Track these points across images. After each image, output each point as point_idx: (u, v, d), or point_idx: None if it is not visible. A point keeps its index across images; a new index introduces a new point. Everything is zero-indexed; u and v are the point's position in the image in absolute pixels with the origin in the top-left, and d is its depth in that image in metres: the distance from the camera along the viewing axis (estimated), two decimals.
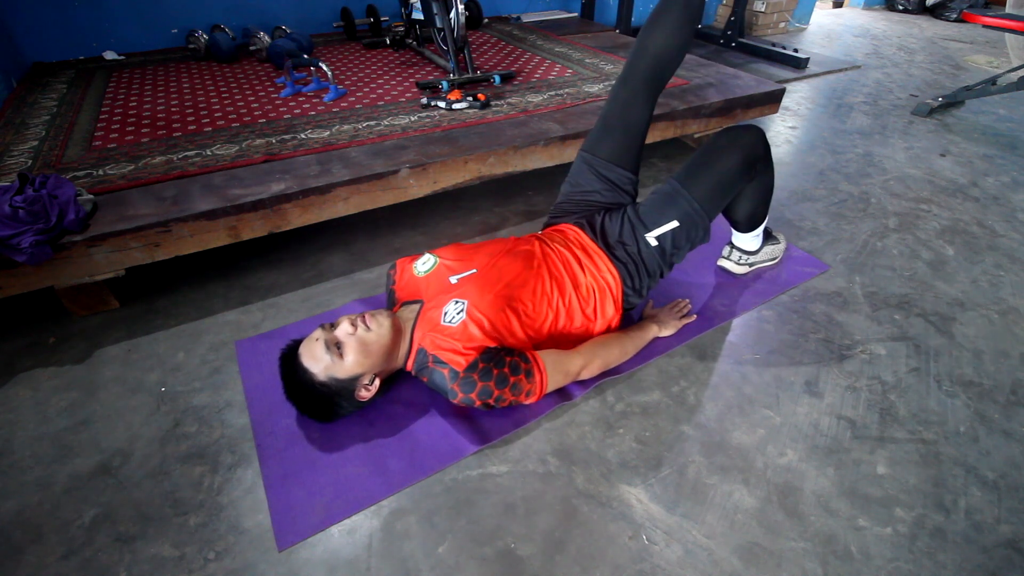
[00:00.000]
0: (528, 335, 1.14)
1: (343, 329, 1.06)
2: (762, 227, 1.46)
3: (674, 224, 1.21)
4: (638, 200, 1.35)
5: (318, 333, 1.06)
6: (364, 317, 1.08)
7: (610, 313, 1.25)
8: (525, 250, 1.22)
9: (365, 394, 1.09)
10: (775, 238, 1.60)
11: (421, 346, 1.10)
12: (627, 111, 1.31)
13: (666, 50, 1.27)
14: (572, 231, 1.30)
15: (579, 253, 1.25)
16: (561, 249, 1.24)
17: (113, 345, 1.35)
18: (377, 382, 1.09)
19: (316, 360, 1.04)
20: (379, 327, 1.08)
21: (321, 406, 1.08)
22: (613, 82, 2.28)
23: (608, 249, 1.25)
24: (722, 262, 1.58)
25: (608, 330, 1.27)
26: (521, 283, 1.15)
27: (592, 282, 1.23)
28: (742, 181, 1.24)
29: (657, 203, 1.24)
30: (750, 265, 1.56)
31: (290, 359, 1.08)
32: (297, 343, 1.10)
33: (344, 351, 1.04)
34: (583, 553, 0.92)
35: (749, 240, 1.50)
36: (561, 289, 1.19)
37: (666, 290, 1.51)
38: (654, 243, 1.23)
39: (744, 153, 1.21)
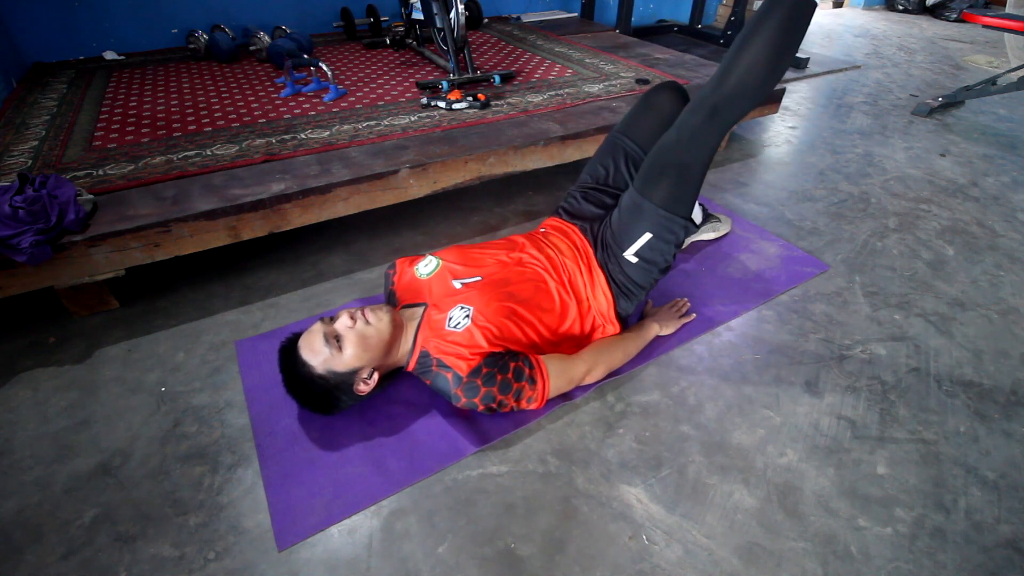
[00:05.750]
0: (532, 342, 1.14)
1: (342, 322, 1.06)
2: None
3: (648, 236, 1.19)
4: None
5: (317, 326, 1.06)
6: (363, 311, 1.08)
7: (610, 329, 1.26)
8: (531, 258, 1.23)
9: (364, 388, 1.08)
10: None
11: (425, 348, 1.10)
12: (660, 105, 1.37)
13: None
14: (579, 239, 1.29)
15: (584, 268, 1.24)
16: (568, 262, 1.24)
17: (113, 345, 1.35)
18: (376, 376, 1.09)
19: (315, 353, 1.04)
20: (378, 321, 1.08)
21: (320, 399, 1.07)
22: (612, 82, 2.28)
23: (605, 267, 1.25)
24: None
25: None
26: (526, 296, 1.16)
27: (591, 296, 1.24)
28: (706, 161, 1.16)
29: (624, 220, 1.21)
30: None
31: (290, 352, 1.08)
32: (297, 336, 1.09)
33: (343, 344, 1.04)
34: (583, 553, 0.92)
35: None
36: (563, 300, 1.20)
37: (666, 289, 1.51)
38: (634, 260, 1.21)
39: (699, 143, 1.14)
